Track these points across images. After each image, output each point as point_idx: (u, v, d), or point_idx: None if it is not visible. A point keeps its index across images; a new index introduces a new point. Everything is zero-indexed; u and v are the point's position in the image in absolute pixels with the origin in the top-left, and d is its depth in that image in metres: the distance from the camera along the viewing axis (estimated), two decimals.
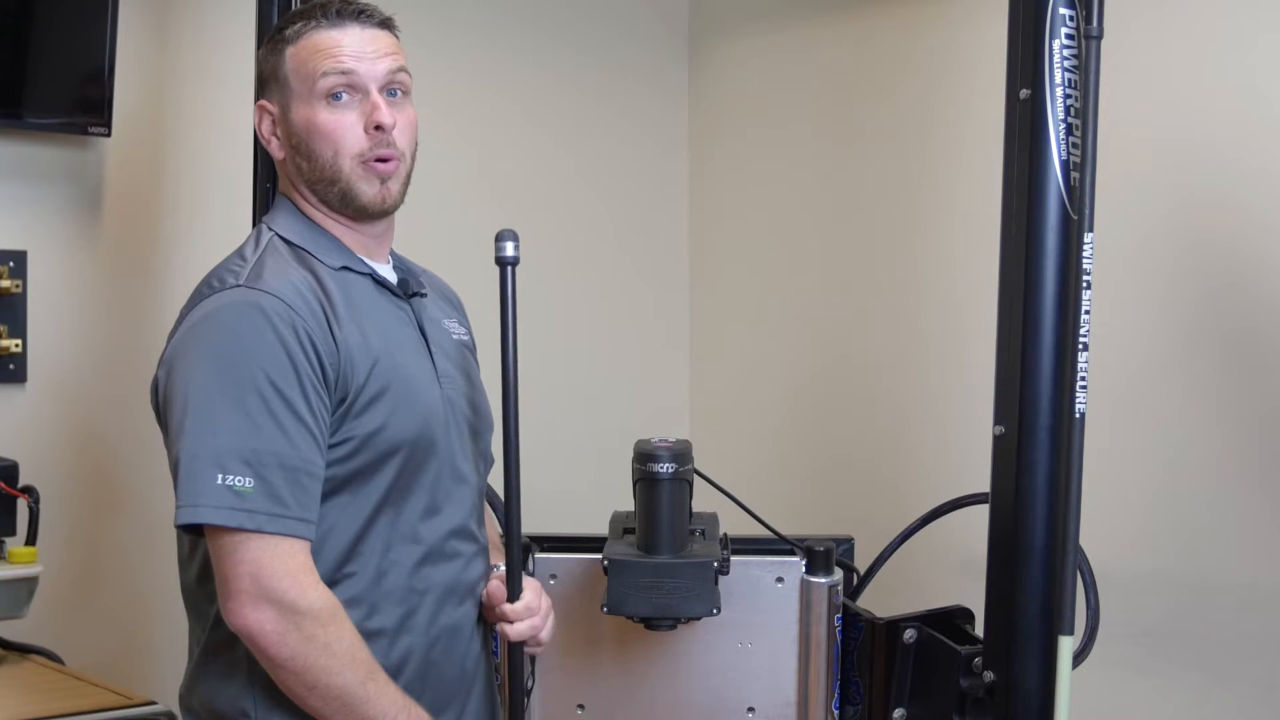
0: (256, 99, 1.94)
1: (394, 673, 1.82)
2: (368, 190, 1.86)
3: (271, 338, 1.73)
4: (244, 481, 1.69)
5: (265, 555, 1.70)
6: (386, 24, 1.91)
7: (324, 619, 1.71)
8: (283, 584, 1.70)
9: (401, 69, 1.89)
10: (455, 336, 2.01)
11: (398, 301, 1.92)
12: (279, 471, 1.71)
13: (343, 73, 1.84)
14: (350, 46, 1.85)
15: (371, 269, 1.91)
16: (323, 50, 1.85)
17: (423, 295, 1.97)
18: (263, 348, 1.73)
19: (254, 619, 1.70)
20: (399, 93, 1.89)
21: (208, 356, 1.74)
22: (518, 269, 1.86)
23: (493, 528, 2.07)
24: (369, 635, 1.79)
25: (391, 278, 1.94)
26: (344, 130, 1.85)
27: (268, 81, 1.91)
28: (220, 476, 1.69)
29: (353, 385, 1.79)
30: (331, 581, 1.78)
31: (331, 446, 1.78)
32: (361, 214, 1.88)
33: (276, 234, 1.88)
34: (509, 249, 1.86)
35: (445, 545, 1.88)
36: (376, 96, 1.85)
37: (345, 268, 1.88)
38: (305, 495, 1.73)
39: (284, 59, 1.87)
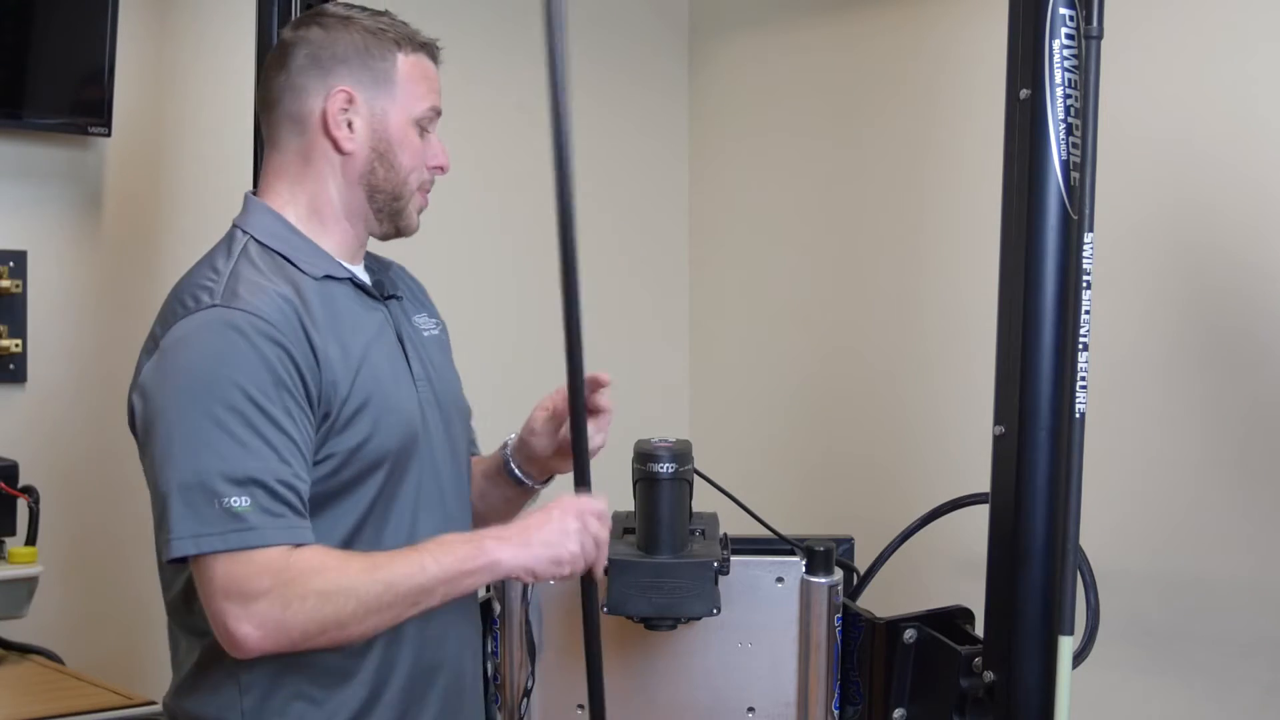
0: (310, 72, 1.84)
1: (383, 683, 1.81)
2: (414, 216, 1.91)
3: (251, 354, 1.69)
4: (240, 501, 1.65)
5: (239, 566, 1.64)
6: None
7: (295, 576, 1.65)
8: (253, 584, 1.64)
9: None
10: (427, 333, 1.99)
11: (375, 304, 1.89)
12: (273, 486, 1.67)
13: (437, 111, 1.91)
14: (438, 85, 1.92)
15: (351, 273, 1.88)
16: (430, 80, 1.90)
17: (398, 298, 1.95)
18: (241, 366, 1.68)
19: (241, 633, 1.64)
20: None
21: (187, 382, 1.69)
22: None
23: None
24: (358, 647, 1.77)
25: (367, 279, 1.92)
26: (424, 159, 1.90)
27: (356, 69, 1.84)
28: (217, 501, 1.65)
29: (336, 400, 1.75)
30: None
31: (315, 464, 1.74)
32: (392, 234, 1.92)
33: (252, 237, 1.83)
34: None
35: None
36: (437, 140, 1.92)
37: (327, 276, 1.83)
38: (300, 503, 1.70)
39: (395, 62, 1.86)
